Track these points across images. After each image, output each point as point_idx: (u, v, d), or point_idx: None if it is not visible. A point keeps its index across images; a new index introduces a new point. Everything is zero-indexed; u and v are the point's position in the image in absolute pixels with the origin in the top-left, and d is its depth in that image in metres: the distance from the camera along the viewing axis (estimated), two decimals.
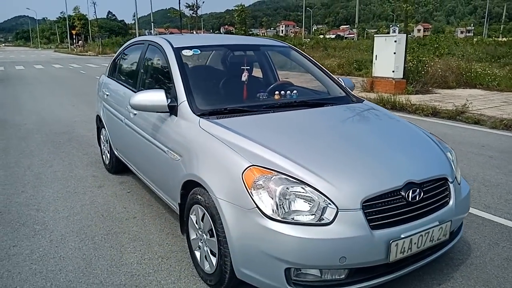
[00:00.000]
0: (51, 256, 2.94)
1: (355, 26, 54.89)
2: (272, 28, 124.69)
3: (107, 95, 4.35)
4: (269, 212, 2.07)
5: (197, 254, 2.66)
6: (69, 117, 8.19)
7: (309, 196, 2.08)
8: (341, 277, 2.11)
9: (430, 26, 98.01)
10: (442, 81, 12.15)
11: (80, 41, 54.62)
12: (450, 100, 9.85)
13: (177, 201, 2.85)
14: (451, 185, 2.47)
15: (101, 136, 4.88)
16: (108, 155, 4.64)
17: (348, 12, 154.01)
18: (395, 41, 11.00)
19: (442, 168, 2.49)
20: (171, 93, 2.95)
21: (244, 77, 3.44)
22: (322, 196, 2.06)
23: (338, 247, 2.02)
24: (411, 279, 2.59)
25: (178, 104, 2.86)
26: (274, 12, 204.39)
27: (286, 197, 2.08)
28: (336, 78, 3.68)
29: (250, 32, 48.95)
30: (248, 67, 3.52)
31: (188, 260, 2.86)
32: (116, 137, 4.19)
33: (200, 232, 2.58)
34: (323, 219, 2.04)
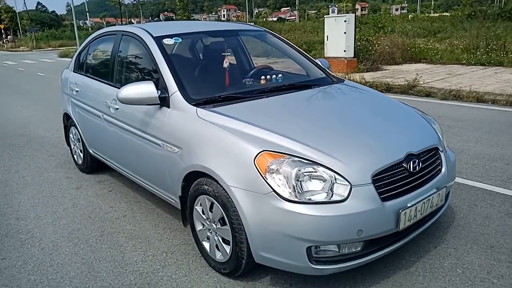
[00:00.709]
0: (47, 264, 2.81)
1: (296, 8, 55.41)
2: (213, 13, 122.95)
3: (77, 91, 4.14)
4: (285, 194, 2.12)
5: (206, 244, 2.66)
6: (21, 118, 7.68)
7: (322, 176, 2.14)
8: (357, 249, 2.21)
9: (367, 5, 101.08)
10: (389, 57, 12.72)
11: (9, 36, 50.81)
12: (400, 75, 10.35)
13: (176, 194, 2.82)
14: (442, 154, 2.65)
15: (70, 135, 4.65)
16: (81, 154, 4.44)
17: None
18: (345, 21, 11.30)
19: (433, 139, 2.66)
20: (159, 84, 2.87)
21: (226, 63, 3.42)
22: (336, 174, 2.14)
23: (355, 221, 2.11)
24: (410, 245, 2.76)
25: (170, 95, 2.80)
26: None
27: (300, 178, 2.13)
28: (314, 60, 3.76)
29: (192, 18, 47.96)
30: (229, 53, 3.50)
31: (193, 252, 2.85)
32: (92, 134, 4.02)
33: (208, 222, 2.58)
34: (338, 196, 2.12)
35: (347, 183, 2.13)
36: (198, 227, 2.70)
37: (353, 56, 11.59)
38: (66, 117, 4.62)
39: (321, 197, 2.13)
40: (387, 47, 12.65)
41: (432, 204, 2.44)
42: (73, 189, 4.13)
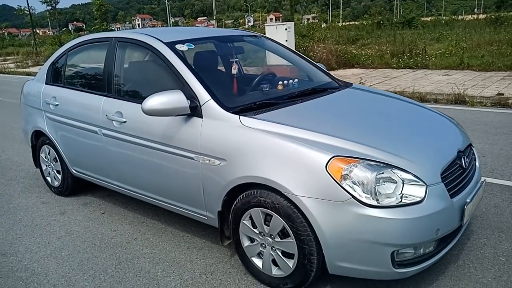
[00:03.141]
0: None
1: (213, 18, 55.68)
2: (127, 23, 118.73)
3: (56, 105, 3.66)
4: (364, 200, 2.05)
5: (257, 261, 2.48)
6: None
7: (395, 178, 2.11)
8: (431, 249, 2.22)
9: (281, 15, 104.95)
10: (326, 64, 13.27)
11: None
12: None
13: (214, 211, 2.61)
14: (474, 149, 2.78)
15: (42, 155, 4.10)
16: (59, 175, 3.95)
17: (204, 4, 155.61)
18: (286, 29, 11.62)
19: (466, 135, 2.79)
20: (185, 93, 2.63)
21: (235, 70, 3.29)
22: (411, 175, 2.13)
23: (434, 221, 2.11)
24: None
25: (201, 104, 2.59)
26: (126, 5, 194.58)
27: (377, 182, 2.08)
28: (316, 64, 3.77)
29: (111, 28, 45.83)
30: (237, 59, 3.36)
31: (234, 270, 2.66)
32: (79, 152, 3.57)
33: (260, 237, 2.42)
34: (416, 198, 2.11)
35: (423, 184, 2.13)
36: (246, 243, 2.52)
37: None
38: (35, 135, 4.08)
39: (397, 199, 2.10)
40: (324, 53, 13.20)
41: (480, 197, 2.55)
42: (57, 214, 3.64)
